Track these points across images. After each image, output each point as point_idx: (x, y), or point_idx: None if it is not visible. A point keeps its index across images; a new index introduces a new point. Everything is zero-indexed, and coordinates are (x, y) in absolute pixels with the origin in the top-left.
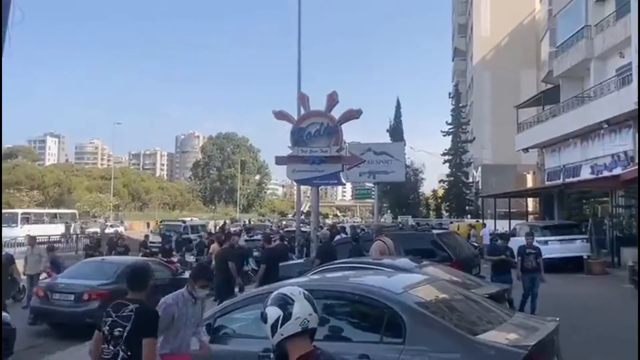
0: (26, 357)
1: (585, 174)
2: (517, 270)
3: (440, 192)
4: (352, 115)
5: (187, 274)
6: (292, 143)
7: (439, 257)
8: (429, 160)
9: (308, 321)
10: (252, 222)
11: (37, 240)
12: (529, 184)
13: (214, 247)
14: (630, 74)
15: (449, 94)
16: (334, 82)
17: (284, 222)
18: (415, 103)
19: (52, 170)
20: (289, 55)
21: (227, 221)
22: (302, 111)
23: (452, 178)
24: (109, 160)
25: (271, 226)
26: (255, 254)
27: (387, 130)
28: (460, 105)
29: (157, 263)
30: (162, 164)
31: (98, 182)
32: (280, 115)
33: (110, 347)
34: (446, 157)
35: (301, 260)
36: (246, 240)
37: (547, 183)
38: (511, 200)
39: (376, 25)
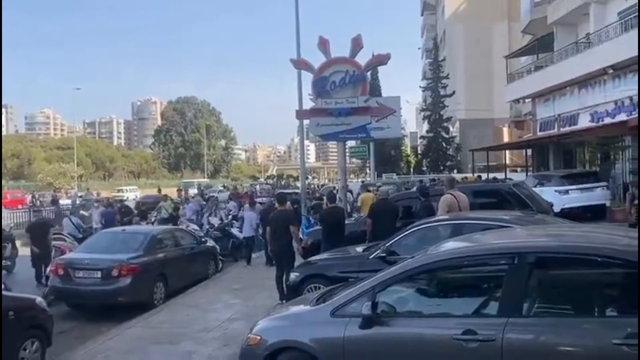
0: (63, 346)
1: (584, 122)
2: None
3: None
4: (380, 60)
5: (211, 242)
6: (314, 95)
7: (519, 211)
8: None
9: None
10: (241, 187)
11: None
12: (506, 137)
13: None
14: (634, 17)
15: (419, 48)
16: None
17: (282, 184)
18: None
19: (7, 141)
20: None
21: (202, 187)
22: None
23: (431, 134)
24: (62, 130)
25: (270, 188)
26: None
27: None
28: (440, 60)
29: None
30: (120, 132)
31: (57, 153)
32: (301, 63)
33: None
34: (425, 113)
35: (352, 221)
36: (260, 203)
37: (540, 133)
38: (489, 153)
39: None
